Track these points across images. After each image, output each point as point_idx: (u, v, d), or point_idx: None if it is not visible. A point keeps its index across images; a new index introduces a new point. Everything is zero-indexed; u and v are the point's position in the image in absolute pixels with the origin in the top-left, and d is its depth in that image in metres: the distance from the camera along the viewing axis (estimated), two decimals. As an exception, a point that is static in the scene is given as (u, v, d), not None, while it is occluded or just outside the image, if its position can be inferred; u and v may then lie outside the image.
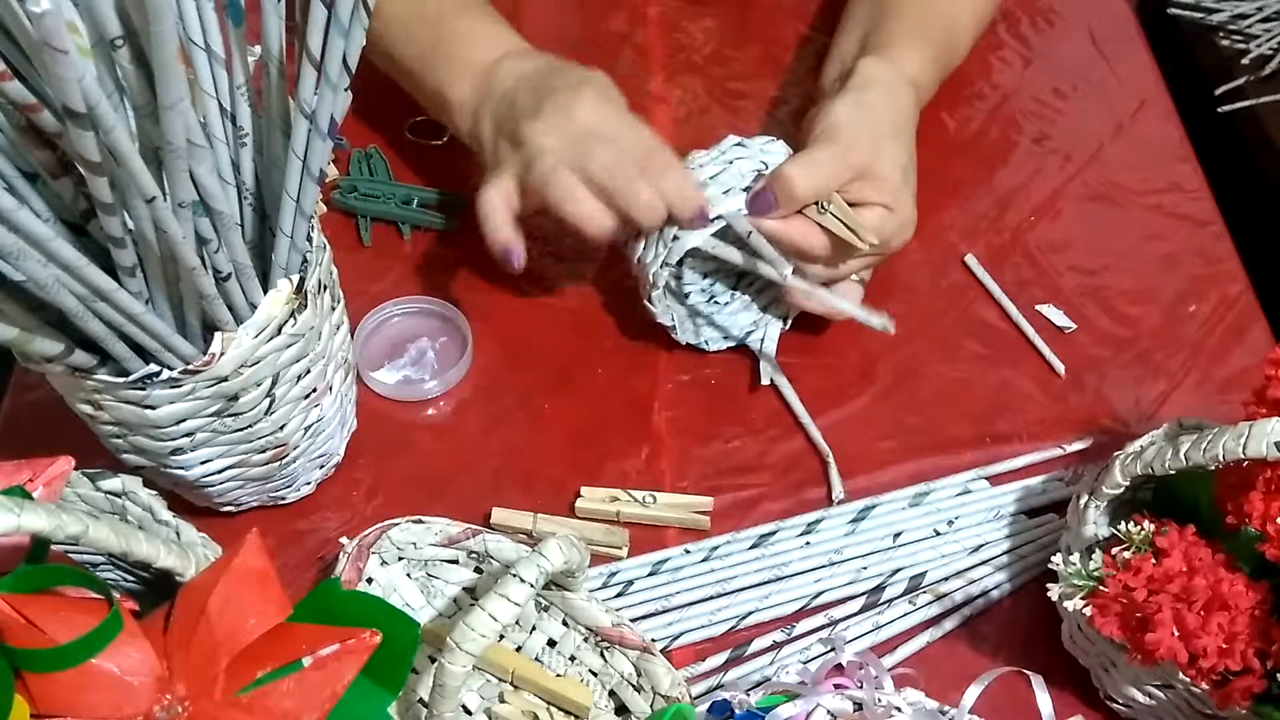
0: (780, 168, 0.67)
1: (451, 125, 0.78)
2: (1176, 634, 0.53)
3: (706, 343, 0.76)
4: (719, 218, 0.68)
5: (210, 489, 0.65)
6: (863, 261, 0.72)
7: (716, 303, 0.79)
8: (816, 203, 0.68)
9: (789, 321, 0.77)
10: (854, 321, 0.79)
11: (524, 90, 0.72)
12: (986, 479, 0.73)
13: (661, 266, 0.70)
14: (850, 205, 0.68)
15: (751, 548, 0.69)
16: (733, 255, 0.70)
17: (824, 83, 0.81)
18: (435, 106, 0.79)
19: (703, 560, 0.69)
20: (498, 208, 0.70)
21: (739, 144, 0.72)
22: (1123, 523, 0.57)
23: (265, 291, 0.57)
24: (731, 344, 0.77)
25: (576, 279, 0.82)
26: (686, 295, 0.78)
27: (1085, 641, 0.62)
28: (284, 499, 0.70)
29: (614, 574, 0.68)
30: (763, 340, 0.77)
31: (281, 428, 0.62)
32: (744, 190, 0.69)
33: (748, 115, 0.91)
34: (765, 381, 0.75)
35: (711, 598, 0.67)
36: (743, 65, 0.94)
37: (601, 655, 0.63)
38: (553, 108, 0.69)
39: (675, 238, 0.69)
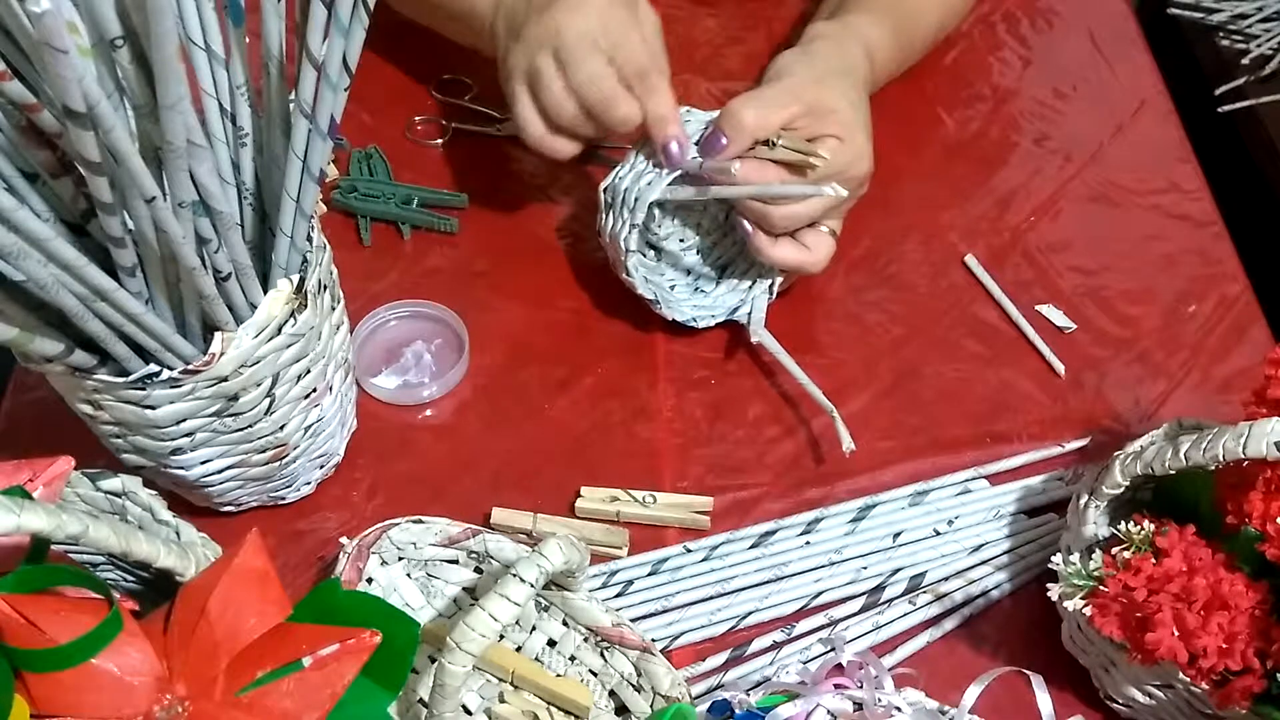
0: (728, 105, 0.69)
1: (472, 39, 0.80)
2: (1176, 634, 0.53)
3: (694, 320, 0.76)
4: (673, 170, 0.70)
5: (210, 489, 0.65)
6: (821, 204, 0.71)
7: (702, 291, 0.79)
8: (767, 142, 0.69)
9: (774, 293, 0.77)
10: (854, 322, 0.80)
11: None
12: (986, 478, 0.73)
13: (630, 230, 0.71)
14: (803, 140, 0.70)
15: (751, 547, 0.69)
16: (686, 193, 0.71)
17: None
18: (459, 21, 0.81)
19: (703, 559, 0.69)
20: (533, 118, 0.73)
21: (688, 110, 0.73)
22: (1123, 523, 0.57)
23: (265, 291, 0.57)
24: (719, 320, 0.77)
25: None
26: (673, 287, 0.78)
27: (1085, 641, 0.62)
28: (284, 499, 0.70)
29: (614, 574, 0.68)
30: (750, 312, 0.76)
31: (281, 428, 0.62)
32: (696, 144, 0.71)
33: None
34: (755, 340, 0.75)
35: (711, 598, 0.67)
36: (743, 65, 0.94)
37: (601, 655, 0.63)
38: (554, 15, 0.71)
39: (636, 199, 0.70)
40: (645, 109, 0.70)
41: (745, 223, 0.72)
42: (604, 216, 0.74)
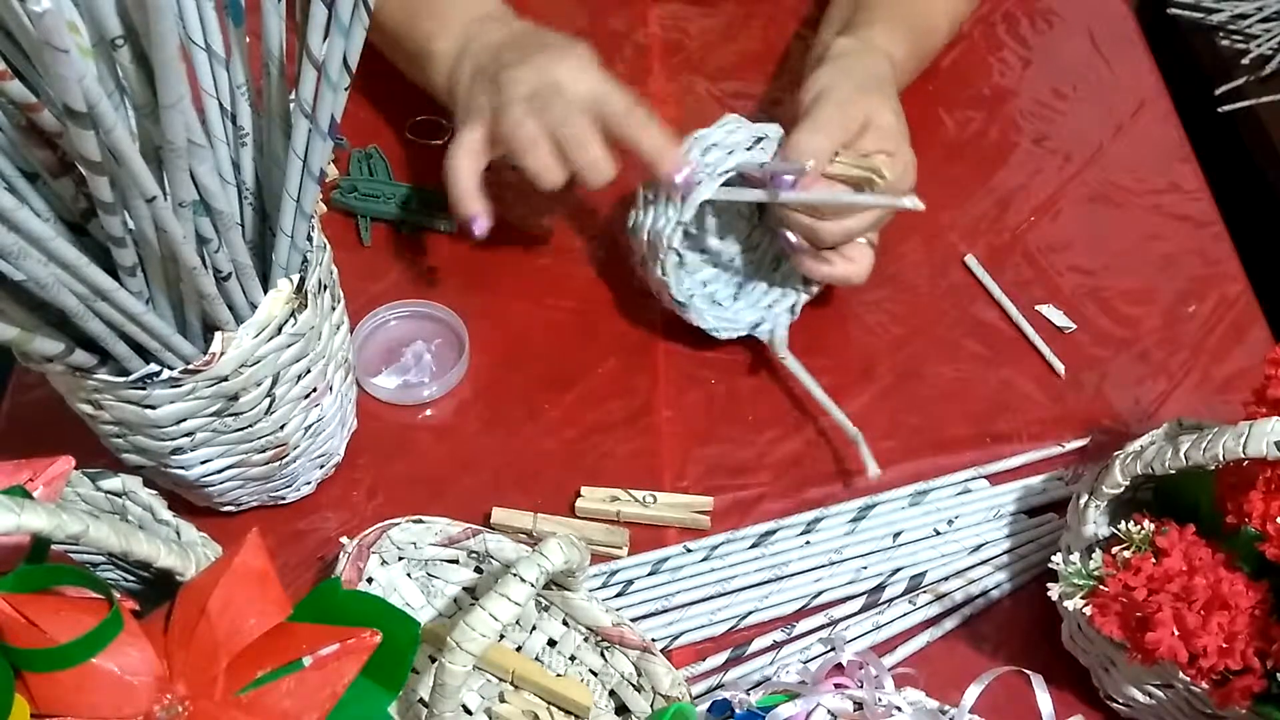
0: (791, 138, 0.69)
1: (428, 79, 0.80)
2: (1176, 633, 0.53)
3: (717, 331, 0.75)
4: (729, 170, 0.70)
5: (210, 489, 0.65)
6: (873, 217, 0.72)
7: (719, 304, 0.79)
8: None
9: (797, 312, 0.77)
10: (854, 322, 0.80)
11: (509, 44, 0.74)
12: (986, 478, 0.73)
13: (675, 228, 0.70)
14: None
15: (751, 547, 0.69)
16: (749, 195, 0.71)
17: (806, 73, 0.82)
18: (415, 62, 0.81)
19: (703, 559, 0.69)
20: (464, 172, 0.72)
21: (736, 118, 0.73)
22: (1123, 522, 0.57)
23: (265, 291, 0.57)
24: (741, 333, 0.76)
25: (543, 225, 0.84)
26: (691, 296, 0.78)
27: (1085, 641, 0.62)
28: (284, 499, 0.70)
29: (614, 574, 0.68)
30: (772, 331, 0.76)
31: (281, 427, 0.62)
32: (746, 150, 0.70)
33: (746, 114, 0.91)
34: (780, 355, 0.75)
35: (711, 597, 0.67)
36: (742, 65, 0.94)
37: (601, 655, 0.63)
38: (534, 63, 0.71)
39: (684, 199, 0.69)
40: (639, 146, 0.69)
41: (791, 237, 0.72)
42: (641, 213, 0.72)
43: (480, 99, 0.73)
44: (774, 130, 0.72)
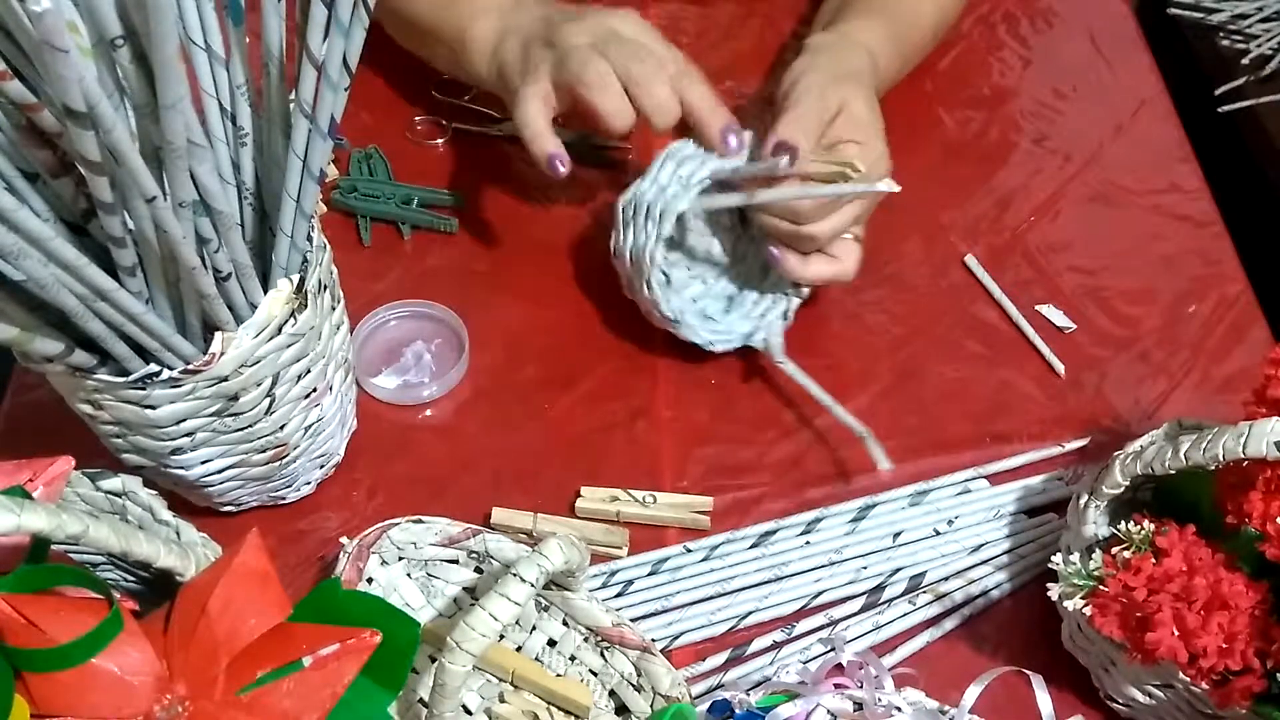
0: (775, 132, 0.69)
1: (466, 65, 0.80)
2: (1176, 634, 0.53)
3: (711, 344, 0.75)
4: (704, 179, 0.70)
5: (210, 489, 0.65)
6: (854, 212, 0.71)
7: (711, 319, 0.78)
8: None
9: (790, 317, 0.76)
10: (854, 322, 0.80)
11: (554, 14, 0.76)
12: (986, 478, 0.73)
13: (656, 242, 0.70)
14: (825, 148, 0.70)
15: (751, 547, 0.69)
16: (728, 200, 0.71)
17: None
18: (452, 50, 0.81)
19: (703, 559, 0.69)
20: (537, 114, 0.73)
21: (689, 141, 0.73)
22: (1123, 523, 0.57)
23: (265, 291, 0.57)
24: (736, 345, 0.76)
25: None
26: (682, 313, 0.77)
27: (1085, 641, 0.62)
28: (284, 499, 0.70)
29: (614, 574, 0.68)
30: (767, 339, 0.75)
31: (281, 428, 0.62)
32: (720, 157, 0.71)
33: (744, 114, 0.91)
34: (778, 361, 0.74)
35: (711, 597, 0.67)
36: (740, 64, 0.94)
37: (601, 655, 0.63)
38: (589, 17, 0.73)
39: (662, 211, 0.69)
40: (690, 101, 0.71)
41: (773, 248, 0.72)
42: (621, 234, 0.72)
43: (537, 57, 0.73)
44: (745, 136, 0.71)
